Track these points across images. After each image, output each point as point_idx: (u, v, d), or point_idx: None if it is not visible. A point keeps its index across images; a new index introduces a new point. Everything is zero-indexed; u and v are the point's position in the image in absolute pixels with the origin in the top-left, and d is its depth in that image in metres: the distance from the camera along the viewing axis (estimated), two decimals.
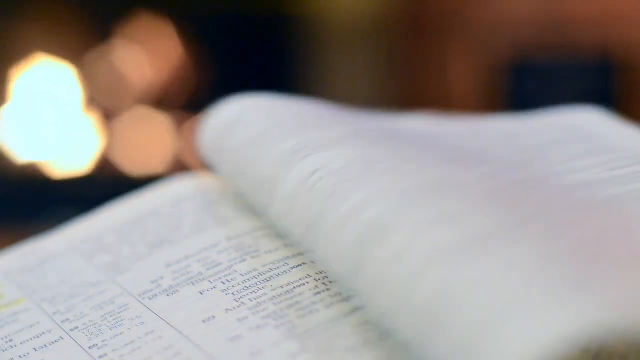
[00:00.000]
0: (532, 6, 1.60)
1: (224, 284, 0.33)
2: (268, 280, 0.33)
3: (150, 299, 0.33)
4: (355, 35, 1.65)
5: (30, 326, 0.33)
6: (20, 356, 0.32)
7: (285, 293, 0.32)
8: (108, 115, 1.62)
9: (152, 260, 0.36)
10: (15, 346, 0.32)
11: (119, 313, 0.33)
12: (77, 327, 0.33)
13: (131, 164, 1.61)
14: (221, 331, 0.31)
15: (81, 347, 0.32)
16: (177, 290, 0.33)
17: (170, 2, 1.67)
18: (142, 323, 0.32)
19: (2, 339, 0.33)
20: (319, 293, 0.32)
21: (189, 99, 1.65)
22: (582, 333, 0.21)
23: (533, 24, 1.61)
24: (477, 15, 1.63)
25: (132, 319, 0.32)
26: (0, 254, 0.38)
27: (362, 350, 0.28)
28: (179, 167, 1.59)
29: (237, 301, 0.32)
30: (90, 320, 0.33)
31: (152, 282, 0.34)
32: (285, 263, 0.34)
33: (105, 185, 1.55)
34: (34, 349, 0.32)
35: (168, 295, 0.33)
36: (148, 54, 1.64)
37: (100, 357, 0.31)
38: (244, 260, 0.34)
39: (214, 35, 1.67)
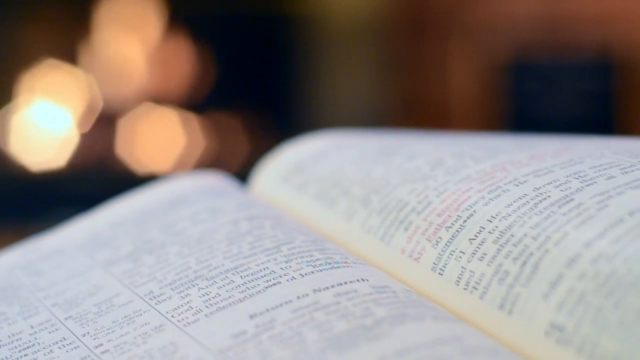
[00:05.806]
0: (532, 6, 1.60)
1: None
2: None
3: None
4: (355, 35, 1.65)
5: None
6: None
7: None
8: (112, 113, 1.62)
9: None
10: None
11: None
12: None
13: (136, 162, 1.61)
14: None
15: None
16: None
17: (172, 2, 1.66)
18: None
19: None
20: None
21: (188, 98, 1.65)
22: None
23: (533, 24, 1.61)
24: (477, 15, 1.63)
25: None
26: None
27: None
28: (184, 164, 1.59)
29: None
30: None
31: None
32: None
33: (109, 183, 1.55)
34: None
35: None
36: (149, 54, 1.64)
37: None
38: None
39: (214, 35, 1.67)
